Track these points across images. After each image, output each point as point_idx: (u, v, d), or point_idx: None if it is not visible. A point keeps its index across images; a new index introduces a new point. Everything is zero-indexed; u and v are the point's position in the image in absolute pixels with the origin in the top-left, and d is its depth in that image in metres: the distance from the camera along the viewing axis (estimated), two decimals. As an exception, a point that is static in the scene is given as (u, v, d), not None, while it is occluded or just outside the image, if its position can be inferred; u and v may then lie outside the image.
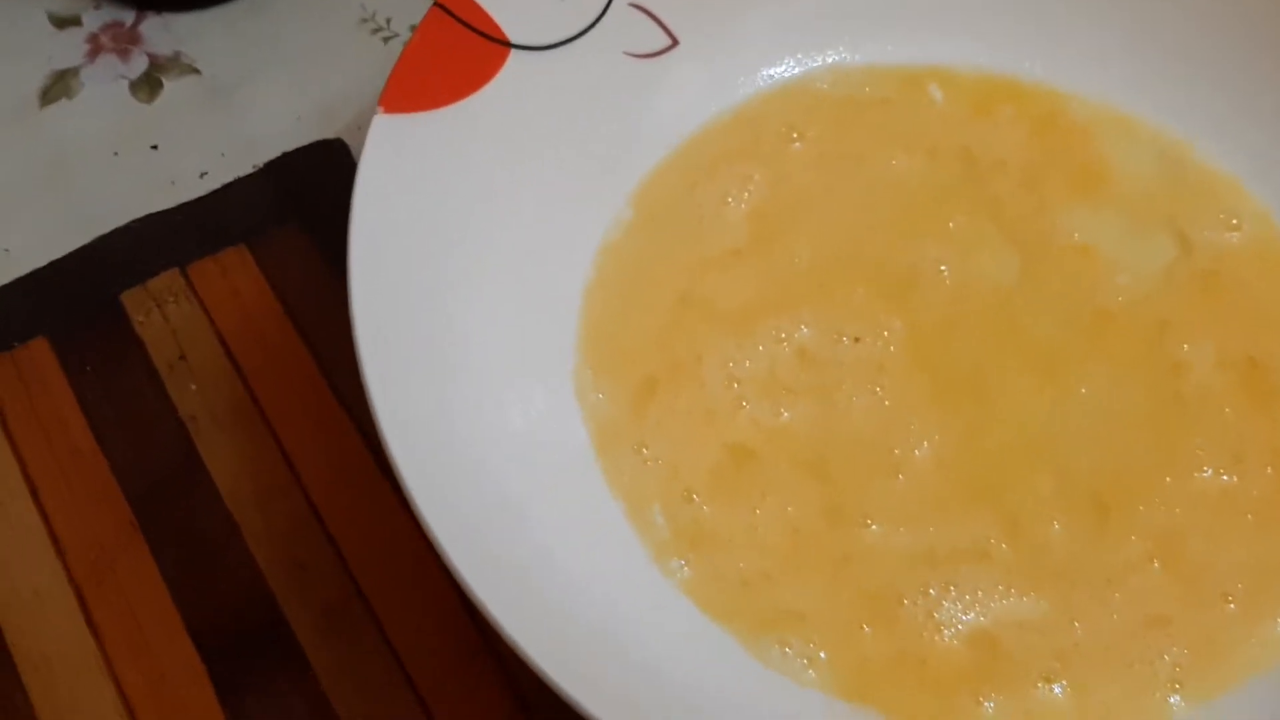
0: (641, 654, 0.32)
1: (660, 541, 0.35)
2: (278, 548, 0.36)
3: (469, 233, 0.36)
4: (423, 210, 0.35)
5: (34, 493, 0.37)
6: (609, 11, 0.40)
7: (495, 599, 0.28)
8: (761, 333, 0.39)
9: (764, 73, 0.43)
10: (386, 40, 0.47)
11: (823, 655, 0.34)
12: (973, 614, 0.34)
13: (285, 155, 0.44)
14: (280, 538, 0.36)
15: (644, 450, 0.37)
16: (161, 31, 0.47)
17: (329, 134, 0.45)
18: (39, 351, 0.40)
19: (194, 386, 0.39)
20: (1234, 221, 0.41)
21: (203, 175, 0.44)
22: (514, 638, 0.28)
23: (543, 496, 0.33)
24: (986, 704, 0.33)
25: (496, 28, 0.38)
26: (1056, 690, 0.34)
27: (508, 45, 0.38)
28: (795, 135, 0.42)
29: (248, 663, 0.35)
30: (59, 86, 0.46)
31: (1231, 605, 0.35)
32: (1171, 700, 0.33)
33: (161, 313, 0.40)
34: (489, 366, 0.35)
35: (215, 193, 0.43)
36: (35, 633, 0.35)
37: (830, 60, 0.44)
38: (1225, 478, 0.36)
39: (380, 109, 0.34)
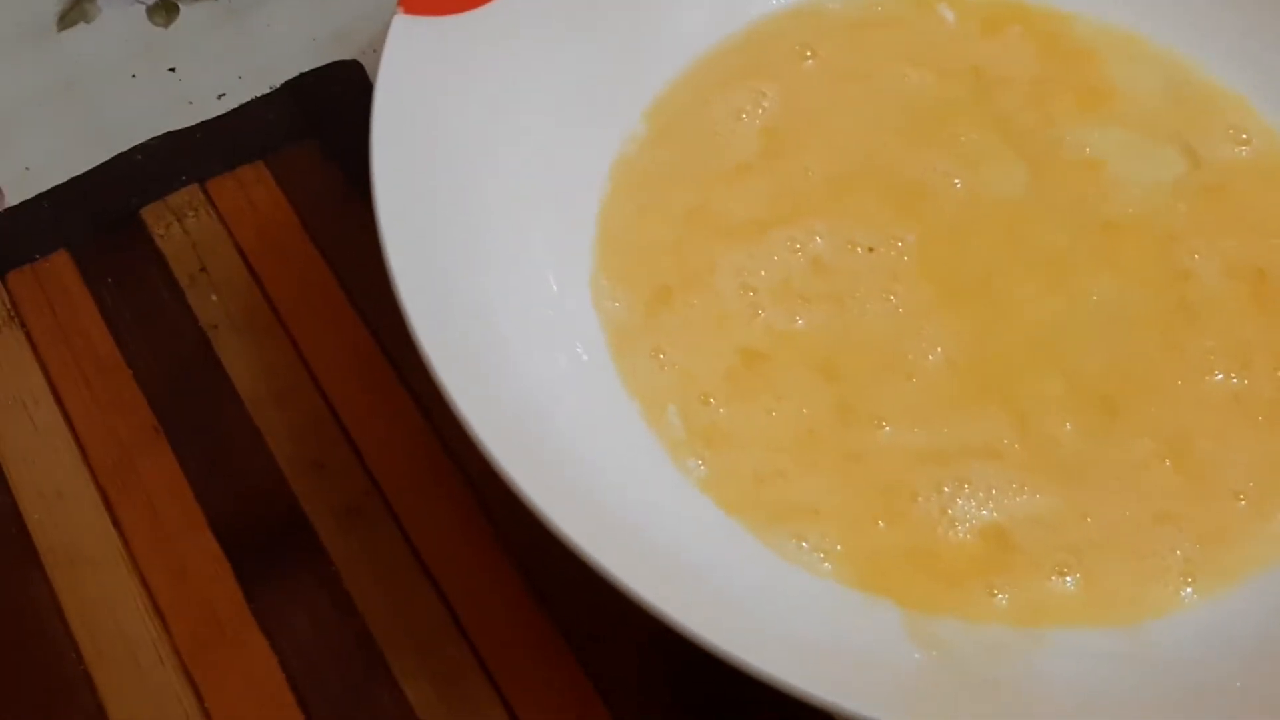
0: (664, 539, 0.32)
1: (676, 440, 0.36)
2: (297, 447, 0.36)
3: (488, 139, 0.37)
4: (442, 113, 0.35)
5: (58, 398, 0.38)
6: (631, -77, 0.40)
7: (525, 478, 0.29)
8: (775, 243, 0.39)
9: (776, -9, 0.44)
10: (401, -36, 0.47)
11: (838, 547, 0.34)
12: (985, 510, 0.35)
13: (301, 76, 0.44)
14: (299, 437, 0.37)
15: (660, 355, 0.37)
16: (176, -43, 0.47)
17: (345, 55, 0.45)
18: (60, 264, 0.40)
19: (214, 297, 0.39)
20: (1243, 137, 0.41)
21: (220, 97, 0.44)
22: (542, 510, 0.28)
23: (565, 392, 0.34)
24: (999, 595, 0.34)
25: (513, -63, 0.38)
26: (1068, 582, 0.34)
27: (527, -43, 0.38)
28: (808, 53, 0.43)
29: (269, 555, 0.35)
30: (76, 11, 0.46)
31: (1242, 502, 0.35)
32: (1183, 593, 0.34)
33: (181, 226, 0.41)
34: (511, 264, 0.35)
35: (233, 111, 0.44)
36: (60, 529, 0.35)
37: (842, -20, 0.44)
38: (1235, 380, 0.37)
39: (400, 9, 0.35)
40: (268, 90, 0.44)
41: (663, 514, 0.33)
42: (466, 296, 0.34)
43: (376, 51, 0.37)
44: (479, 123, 0.37)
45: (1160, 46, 0.43)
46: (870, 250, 0.39)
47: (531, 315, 0.36)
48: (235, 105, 0.44)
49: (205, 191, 0.41)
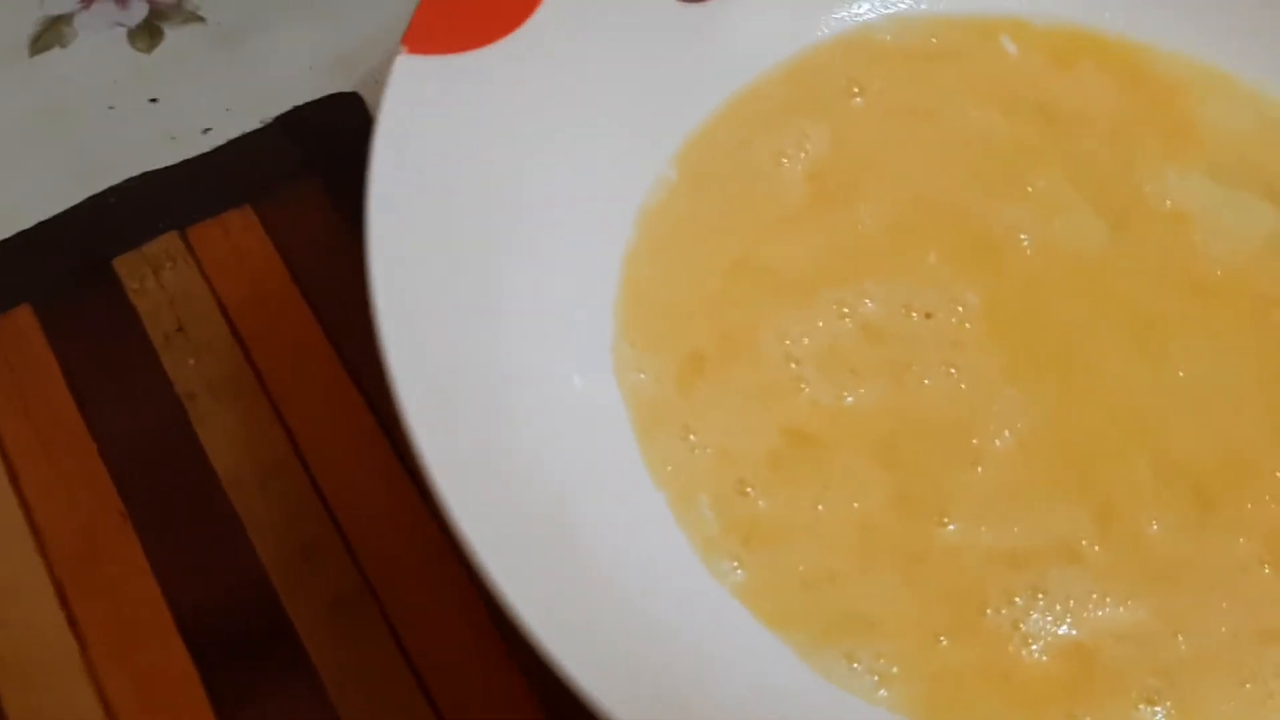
0: (687, 667, 0.28)
1: (709, 538, 0.31)
2: (280, 535, 0.32)
3: (497, 190, 0.32)
4: (448, 162, 0.31)
5: (13, 476, 0.33)
6: (658, -49, 0.36)
7: (528, 601, 0.25)
8: (822, 305, 0.35)
9: (823, 21, 0.39)
10: (408, -16, 0.43)
11: (895, 670, 0.30)
12: (1064, 624, 0.30)
13: (295, 110, 0.40)
14: (282, 525, 0.32)
15: (690, 436, 0.33)
16: (163, -25, 0.43)
17: (344, 86, 0.41)
18: (22, 320, 0.36)
19: (192, 361, 0.35)
20: (1341, 188, 0.37)
21: (206, 131, 0.40)
22: (546, 647, 0.24)
23: (580, 487, 0.30)
24: (1081, 726, 0.29)
25: (529, -39, 0.34)
26: (1159, 713, 0.30)
27: (543, -18, 0.34)
28: (856, 89, 0.38)
29: (246, 664, 0.31)
30: (51, 34, 0.42)
31: (1358, 617, 0.31)
32: (1290, 724, 0.29)
33: (158, 279, 0.36)
34: (519, 341, 0.31)
35: (219, 149, 0.39)
36: (10, 629, 0.31)
37: (893, 9, 0.40)
38: (1346, 471, 0.32)
39: (403, 49, 0.30)
40: (258, 124, 0.40)
41: (689, 635, 0.29)
42: (469, 370, 0.30)
43: (379, 82, 0.32)
44: (489, 171, 0.32)
45: (1249, 82, 0.39)
46: (928, 316, 0.34)
47: (544, 393, 0.31)
48: (222, 141, 0.39)
49: (185, 239, 0.37)
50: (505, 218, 0.32)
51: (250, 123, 0.40)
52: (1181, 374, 0.34)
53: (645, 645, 0.27)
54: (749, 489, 0.32)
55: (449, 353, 0.29)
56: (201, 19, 0.43)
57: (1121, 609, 0.31)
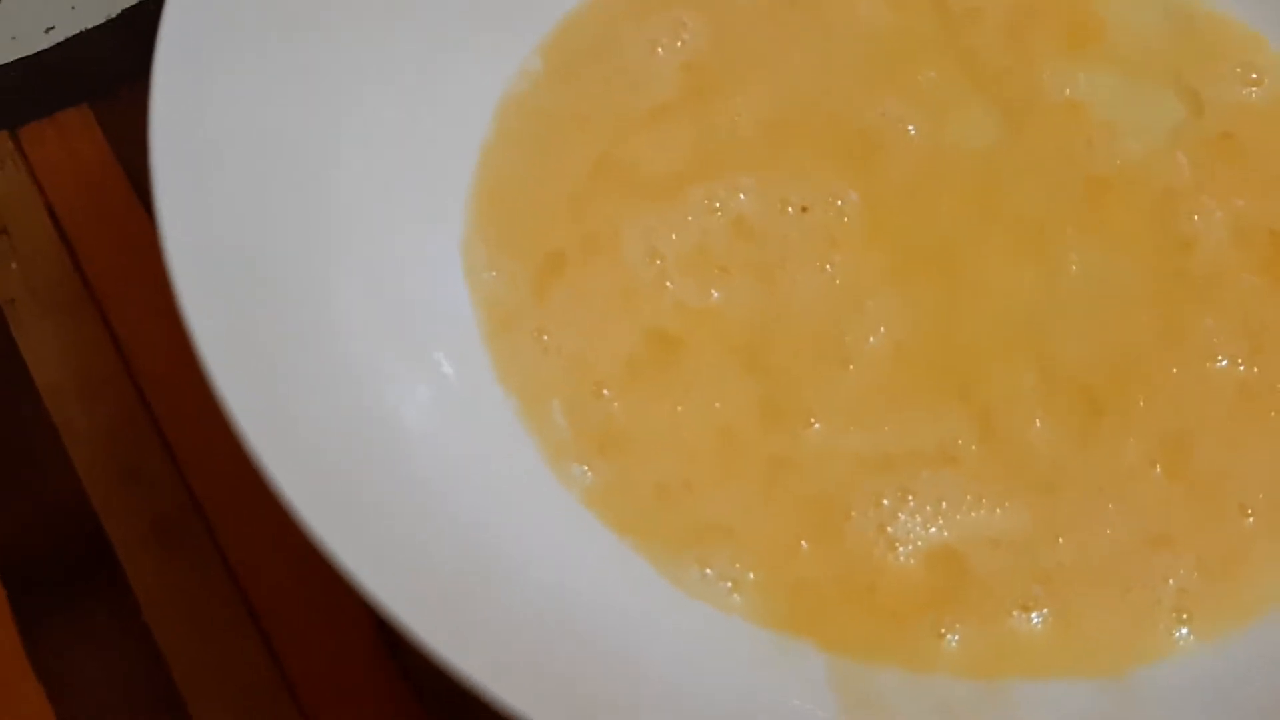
0: (527, 581, 0.26)
1: (559, 443, 0.29)
2: (101, 450, 0.30)
3: (333, 87, 0.30)
4: (271, 58, 0.29)
5: None
6: None
7: (332, 528, 0.22)
8: (692, 201, 0.33)
9: (703, -98, 0.37)
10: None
11: (751, 576, 0.28)
12: (935, 528, 0.28)
13: (143, 3, 0.38)
14: (105, 439, 0.30)
15: (544, 337, 0.31)
16: None
17: (198, -17, 0.38)
18: None
19: (14, 265, 0.33)
20: (1253, 76, 0.35)
21: (49, 30, 0.38)
22: (362, 582, 0.22)
23: (416, 392, 0.27)
24: (949, 637, 0.27)
25: None
26: (1035, 620, 0.28)
27: None
28: (739, -22, 0.36)
29: (59, 586, 0.29)
30: (-114, -71, 0.39)
31: (1250, 519, 0.29)
32: (1177, 633, 0.28)
33: (-18, 181, 0.34)
34: (353, 239, 0.29)
35: (57, 46, 0.37)
36: None
37: (786, -111, 0.37)
38: (1242, 367, 0.31)
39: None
40: (103, 20, 0.37)
41: (530, 546, 0.26)
42: (288, 271, 0.27)
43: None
44: (321, 57, 0.30)
45: (1158, -29, 0.37)
46: (804, 210, 0.32)
47: (382, 295, 0.29)
48: (63, 39, 0.37)
49: (16, 140, 0.35)
50: (332, 109, 0.30)
51: (95, 19, 0.38)
52: (1075, 270, 0.32)
53: (477, 560, 0.25)
54: (605, 391, 0.30)
55: (252, 265, 0.27)
56: (47, -87, 0.40)
57: (999, 511, 0.29)
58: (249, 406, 0.24)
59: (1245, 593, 0.28)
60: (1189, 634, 0.28)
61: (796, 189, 0.33)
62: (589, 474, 0.29)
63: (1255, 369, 0.31)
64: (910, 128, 0.34)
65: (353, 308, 0.29)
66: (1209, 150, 0.34)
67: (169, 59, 0.28)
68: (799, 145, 0.34)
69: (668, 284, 0.31)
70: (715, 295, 0.31)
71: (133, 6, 0.38)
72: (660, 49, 0.35)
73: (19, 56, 0.37)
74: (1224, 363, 0.31)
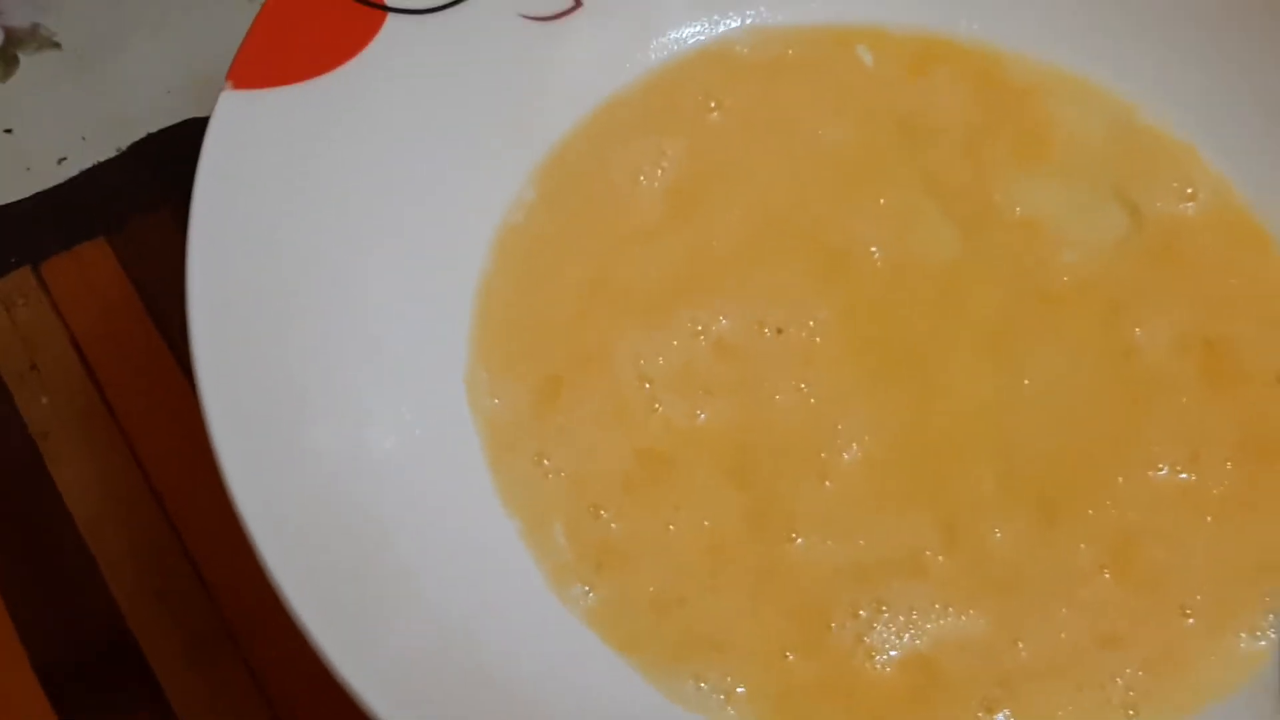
0: (534, 702, 0.28)
1: (561, 564, 0.32)
2: (136, 575, 0.32)
3: (340, 227, 0.32)
4: (283, 201, 0.31)
5: None
6: (501, -31, 0.36)
7: (345, 653, 0.25)
8: (677, 324, 0.35)
9: (676, 35, 0.39)
10: (266, 6, 0.43)
11: (741, 690, 0.30)
12: (907, 635, 0.31)
13: (152, 136, 0.40)
14: (138, 564, 0.32)
15: (545, 461, 0.33)
16: (18, 1, 0.43)
17: (204, 110, 0.40)
18: None
19: (45, 399, 0.35)
20: (1189, 191, 0.38)
21: (61, 161, 0.40)
22: (367, 700, 0.24)
23: (418, 525, 0.30)
24: (923, 738, 0.30)
25: (369, -11, 0.33)
26: (1000, 719, 0.30)
27: (384, 9, 0.34)
28: (713, 104, 0.39)
29: (102, 706, 0.31)
30: (-98, 63, 0.41)
31: (1190, 619, 0.31)
32: (1126, 727, 0.30)
33: (10, 316, 0.36)
34: (361, 377, 0.31)
35: (73, 180, 0.39)
36: None
37: (749, 20, 0.40)
38: (1183, 475, 0.33)
39: (228, 84, 0.30)
40: (115, 152, 0.40)
41: (536, 667, 0.29)
42: (299, 412, 0.30)
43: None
44: (329, 204, 0.32)
45: (1101, 88, 0.40)
46: (780, 332, 0.35)
47: (388, 428, 0.31)
48: (76, 171, 0.39)
49: (38, 274, 0.37)
50: (348, 254, 0.32)
51: (107, 150, 0.40)
52: (1028, 383, 0.35)
53: (485, 680, 0.28)
54: (603, 512, 0.32)
55: (274, 392, 0.29)
56: (57, 45, 0.42)
57: (963, 618, 0.31)
58: (275, 545, 0.27)
59: (1187, 688, 0.31)
60: (1137, 729, 0.30)
61: (771, 310, 0.35)
62: (590, 594, 0.31)
63: (1193, 475, 0.33)
64: (874, 248, 0.37)
65: (370, 440, 0.31)
66: (1149, 262, 0.37)
67: (203, 211, 0.30)
68: (773, 264, 0.36)
69: (657, 405, 0.34)
70: (701, 416, 0.34)
71: (140, 141, 0.40)
72: (643, 176, 0.37)
73: (35, 191, 0.39)
74: (1165, 470, 0.33)
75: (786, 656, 0.31)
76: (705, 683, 0.30)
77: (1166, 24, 0.39)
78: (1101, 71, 0.40)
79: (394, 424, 0.31)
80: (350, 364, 0.31)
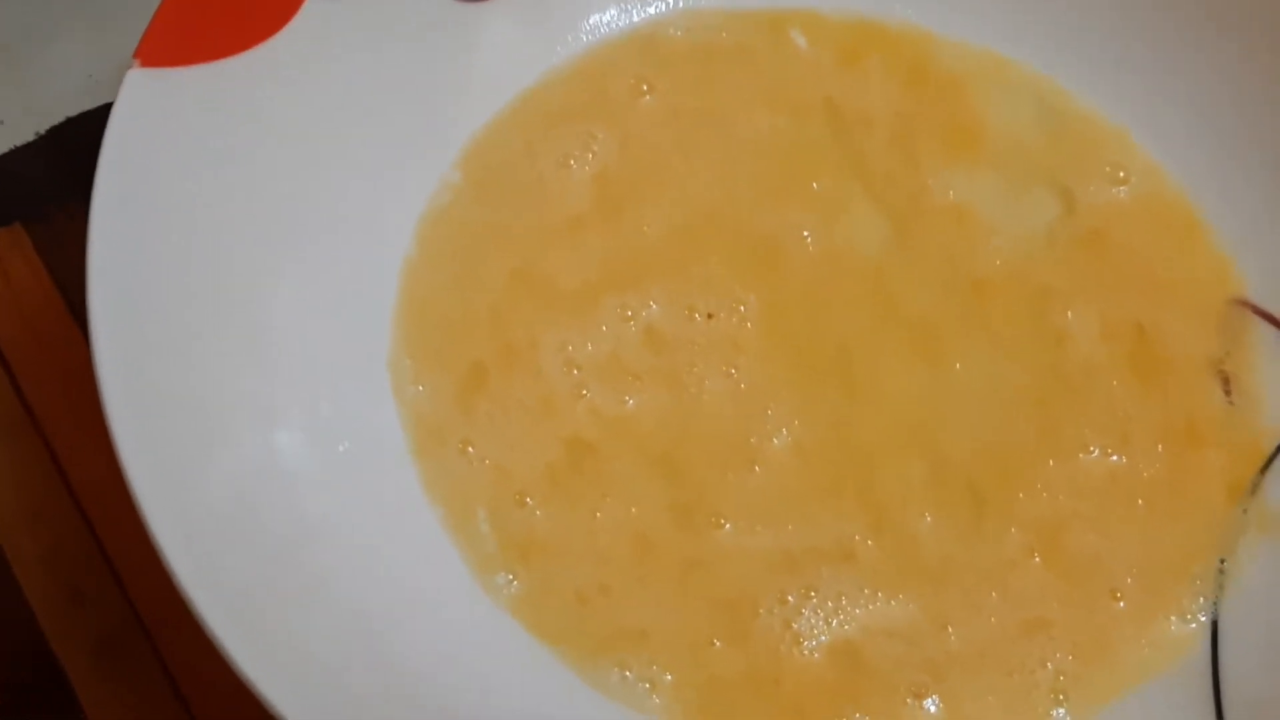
0: (453, 692, 0.27)
1: (485, 554, 0.31)
2: (50, 577, 0.31)
3: (255, 212, 0.31)
4: (194, 186, 0.30)
5: None
6: (427, -53, 0.35)
7: (251, 651, 0.24)
8: (605, 311, 0.35)
9: (608, 17, 0.39)
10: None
11: (668, 678, 0.30)
12: (835, 622, 0.31)
13: (71, 120, 0.39)
14: (51, 565, 0.31)
15: (470, 449, 0.32)
16: (-66, -18, 0.42)
17: (125, 96, 0.40)
18: None
19: (-45, 392, 0.34)
20: (1120, 175, 0.38)
21: (-23, 146, 0.39)
22: (282, 710, 0.23)
23: (338, 520, 0.29)
24: (851, 726, 0.30)
25: (289, -32, 0.33)
26: (929, 706, 0.30)
27: (303, -12, 0.33)
28: (645, 88, 0.38)
29: (13, 703, 0.30)
30: None
31: (1120, 603, 0.31)
32: (1055, 713, 0.30)
33: (-82, 306, 0.35)
34: (277, 367, 0.30)
35: (-12, 164, 0.38)
36: None
37: (682, 3, 0.40)
38: (1113, 458, 0.33)
39: (135, 62, 0.29)
40: (33, 137, 0.39)
41: (458, 657, 0.28)
42: (208, 402, 0.29)
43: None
44: (245, 189, 0.32)
45: (1031, 74, 0.40)
46: (710, 317, 0.35)
47: (313, 410, 0.31)
48: (-7, 156, 0.38)
49: (-51, 263, 0.36)
50: (264, 241, 0.31)
51: (24, 135, 0.39)
52: (959, 369, 0.35)
53: (402, 673, 0.27)
54: (528, 500, 0.32)
55: (182, 394, 0.28)
56: (-25, 28, 0.41)
57: (892, 604, 0.31)
58: (175, 538, 0.26)
59: (1117, 672, 0.31)
60: (1065, 713, 0.30)
61: (702, 296, 0.35)
62: (514, 583, 0.31)
63: (1123, 459, 0.33)
64: (805, 234, 0.36)
65: (287, 434, 0.30)
66: (1081, 248, 0.37)
67: (106, 197, 0.29)
68: (704, 252, 0.36)
69: (584, 392, 0.33)
70: (629, 402, 0.33)
71: (58, 125, 0.39)
72: (573, 161, 0.37)
73: (-51, 175, 0.38)
74: (1095, 453, 0.33)
75: (714, 644, 0.30)
76: (630, 671, 0.30)
77: (1097, 9, 0.39)
78: (1033, 57, 0.39)
79: (313, 414, 0.30)
80: (267, 354, 0.30)
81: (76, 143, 0.39)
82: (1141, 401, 0.34)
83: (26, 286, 0.35)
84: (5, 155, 0.38)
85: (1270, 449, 0.34)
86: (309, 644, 0.26)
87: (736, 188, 0.37)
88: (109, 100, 0.39)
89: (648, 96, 0.38)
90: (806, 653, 0.30)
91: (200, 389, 0.29)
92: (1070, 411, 0.34)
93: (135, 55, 0.29)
